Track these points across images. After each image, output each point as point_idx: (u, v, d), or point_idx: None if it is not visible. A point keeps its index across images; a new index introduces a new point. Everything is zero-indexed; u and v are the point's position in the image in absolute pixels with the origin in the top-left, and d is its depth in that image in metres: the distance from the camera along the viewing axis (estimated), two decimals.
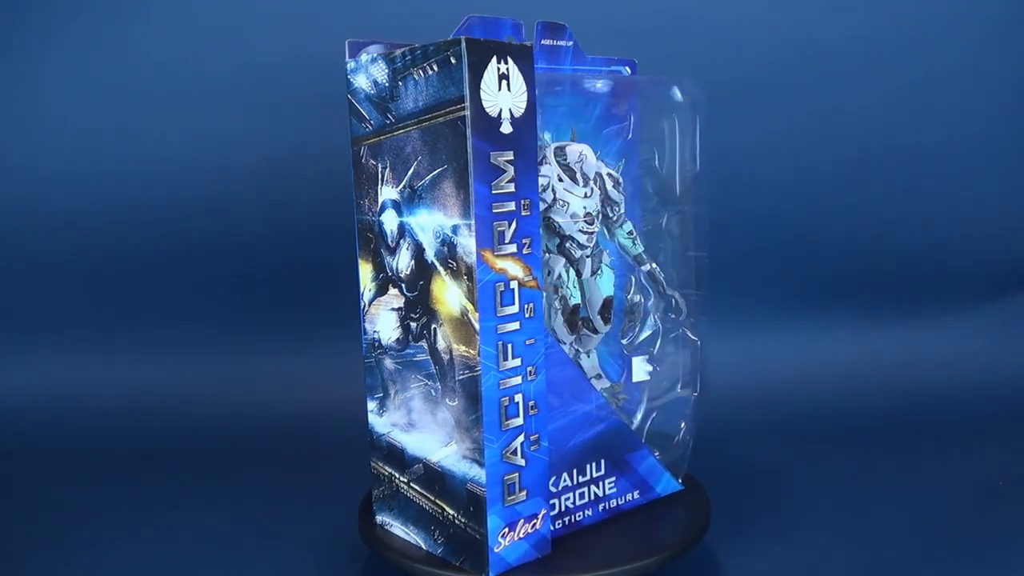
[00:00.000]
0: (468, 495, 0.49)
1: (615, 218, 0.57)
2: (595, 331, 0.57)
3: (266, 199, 0.92)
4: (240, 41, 0.91)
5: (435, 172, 0.47)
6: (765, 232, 0.93)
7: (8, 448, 0.82)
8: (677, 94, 0.58)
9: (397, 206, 0.50)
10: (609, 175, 0.57)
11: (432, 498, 0.51)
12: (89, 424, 0.85)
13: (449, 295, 0.48)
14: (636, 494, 0.58)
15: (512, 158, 0.46)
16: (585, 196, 0.55)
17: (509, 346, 0.48)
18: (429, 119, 0.47)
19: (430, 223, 0.48)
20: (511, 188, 0.46)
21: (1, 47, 0.91)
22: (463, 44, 0.44)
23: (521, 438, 0.49)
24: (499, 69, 0.45)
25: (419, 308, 0.50)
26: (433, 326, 0.49)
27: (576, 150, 0.55)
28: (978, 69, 0.93)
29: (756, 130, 0.92)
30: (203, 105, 0.91)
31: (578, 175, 0.55)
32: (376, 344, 0.54)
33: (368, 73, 0.50)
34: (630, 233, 0.58)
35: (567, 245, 0.55)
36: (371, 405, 0.55)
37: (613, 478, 0.56)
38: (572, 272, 0.56)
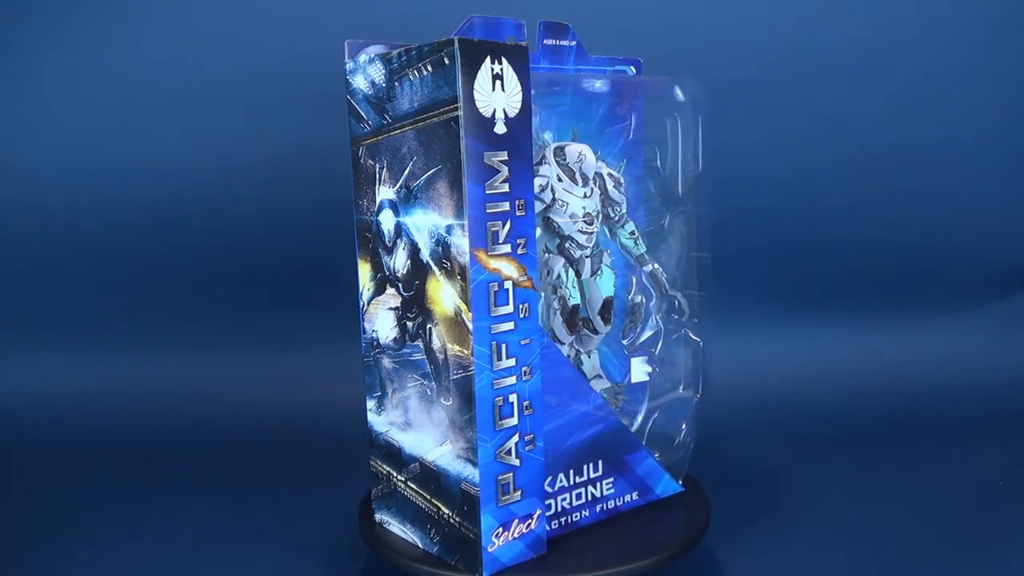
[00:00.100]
0: (462, 494, 0.49)
1: (616, 218, 0.57)
2: (595, 331, 0.57)
3: (266, 199, 0.92)
4: (240, 41, 0.91)
5: (430, 172, 0.47)
6: (765, 232, 0.93)
7: (8, 448, 0.82)
8: (679, 94, 0.58)
9: (394, 206, 0.50)
10: (610, 175, 0.57)
11: (428, 497, 0.51)
12: (89, 424, 0.85)
13: (443, 295, 0.48)
14: (635, 495, 0.57)
15: (506, 158, 0.46)
16: (584, 196, 0.55)
17: (503, 346, 0.48)
18: (424, 119, 0.47)
19: (425, 223, 0.48)
20: (505, 188, 0.46)
21: (1, 47, 0.91)
22: (456, 44, 0.44)
23: (516, 438, 0.49)
24: (493, 69, 0.45)
25: (415, 308, 0.50)
26: (428, 325, 0.49)
27: (575, 150, 0.55)
28: (978, 69, 0.92)
29: (756, 130, 0.92)
30: (203, 105, 0.91)
31: (577, 175, 0.54)
32: (374, 343, 0.54)
33: (366, 74, 0.50)
34: (632, 233, 0.58)
35: (566, 245, 0.55)
36: (370, 404, 0.55)
37: (611, 479, 0.56)
38: (571, 272, 0.56)
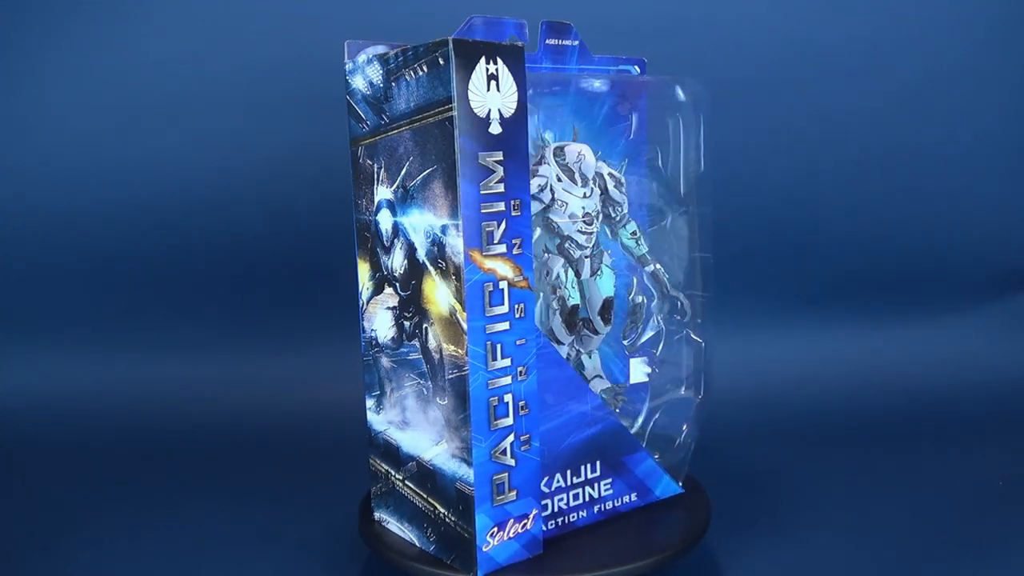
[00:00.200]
0: (457, 494, 0.49)
1: (618, 218, 0.57)
2: (595, 332, 0.57)
3: (266, 199, 0.92)
4: (240, 41, 0.91)
5: (425, 172, 0.47)
6: (765, 232, 0.93)
7: (8, 448, 0.82)
8: (680, 94, 0.58)
9: (391, 206, 0.50)
10: (611, 175, 0.57)
11: (424, 496, 0.51)
12: (89, 424, 0.85)
13: (439, 295, 0.48)
14: (633, 496, 0.57)
15: (501, 158, 0.46)
16: (584, 196, 0.55)
17: (498, 346, 0.48)
18: (420, 120, 0.47)
19: (421, 223, 0.48)
20: (500, 188, 0.46)
21: (1, 47, 0.91)
22: (450, 45, 0.44)
23: (511, 438, 0.49)
24: (488, 70, 0.45)
25: (412, 307, 0.50)
26: (424, 325, 0.49)
27: (575, 150, 0.55)
28: (978, 69, 0.92)
29: (756, 130, 0.92)
30: (203, 105, 0.92)
31: (577, 175, 0.54)
32: (373, 342, 0.54)
33: (364, 74, 0.50)
34: (634, 233, 0.58)
35: (566, 245, 0.55)
36: (369, 403, 0.55)
37: (609, 480, 0.56)
38: (571, 272, 0.55)
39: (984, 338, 0.93)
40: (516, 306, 0.48)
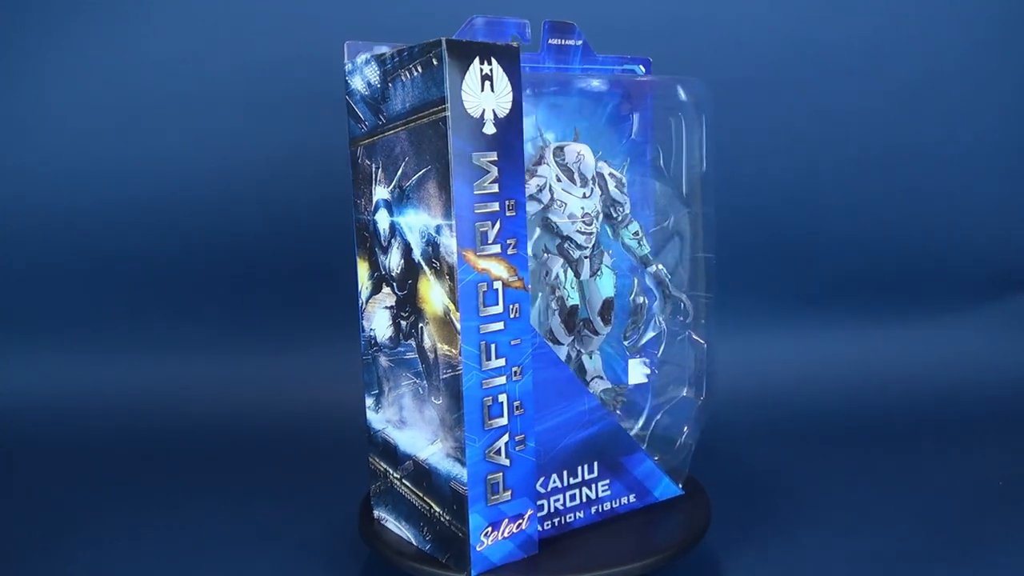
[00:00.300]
0: (452, 493, 0.49)
1: (620, 218, 0.57)
2: (595, 332, 0.57)
3: (266, 199, 0.92)
4: (240, 41, 0.91)
5: (420, 172, 0.47)
6: (765, 232, 0.93)
7: (8, 448, 0.82)
8: (682, 93, 0.58)
9: (389, 206, 0.50)
10: (611, 175, 0.57)
11: (421, 495, 0.52)
12: (89, 424, 0.85)
13: (433, 294, 0.48)
14: (632, 497, 0.57)
15: (495, 159, 0.46)
16: (583, 196, 0.55)
17: (493, 346, 0.48)
18: (415, 120, 0.47)
19: (417, 223, 0.48)
20: (494, 189, 0.46)
21: (1, 47, 0.91)
22: (444, 45, 0.44)
23: (505, 438, 0.49)
24: (482, 70, 0.45)
25: (408, 307, 0.50)
26: (420, 325, 0.49)
27: (574, 150, 0.55)
28: (978, 69, 0.92)
29: (756, 130, 0.92)
30: (203, 105, 0.91)
31: (576, 175, 0.54)
32: (372, 341, 0.54)
33: (363, 75, 0.50)
34: (636, 234, 0.58)
35: (565, 246, 0.55)
36: (368, 401, 0.55)
37: (607, 481, 0.56)
38: (570, 273, 0.55)
39: (984, 338, 0.93)
40: (511, 306, 0.48)
